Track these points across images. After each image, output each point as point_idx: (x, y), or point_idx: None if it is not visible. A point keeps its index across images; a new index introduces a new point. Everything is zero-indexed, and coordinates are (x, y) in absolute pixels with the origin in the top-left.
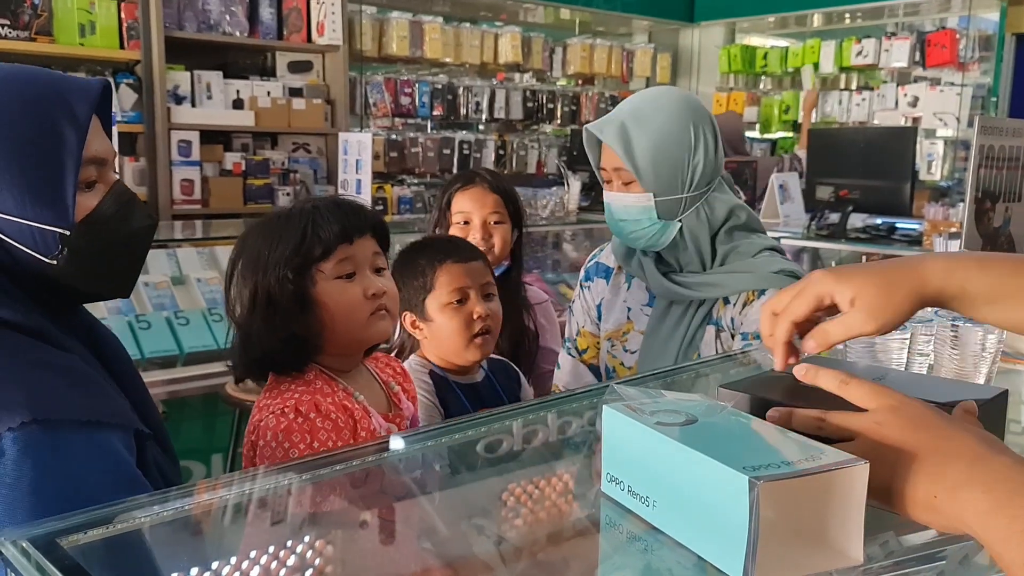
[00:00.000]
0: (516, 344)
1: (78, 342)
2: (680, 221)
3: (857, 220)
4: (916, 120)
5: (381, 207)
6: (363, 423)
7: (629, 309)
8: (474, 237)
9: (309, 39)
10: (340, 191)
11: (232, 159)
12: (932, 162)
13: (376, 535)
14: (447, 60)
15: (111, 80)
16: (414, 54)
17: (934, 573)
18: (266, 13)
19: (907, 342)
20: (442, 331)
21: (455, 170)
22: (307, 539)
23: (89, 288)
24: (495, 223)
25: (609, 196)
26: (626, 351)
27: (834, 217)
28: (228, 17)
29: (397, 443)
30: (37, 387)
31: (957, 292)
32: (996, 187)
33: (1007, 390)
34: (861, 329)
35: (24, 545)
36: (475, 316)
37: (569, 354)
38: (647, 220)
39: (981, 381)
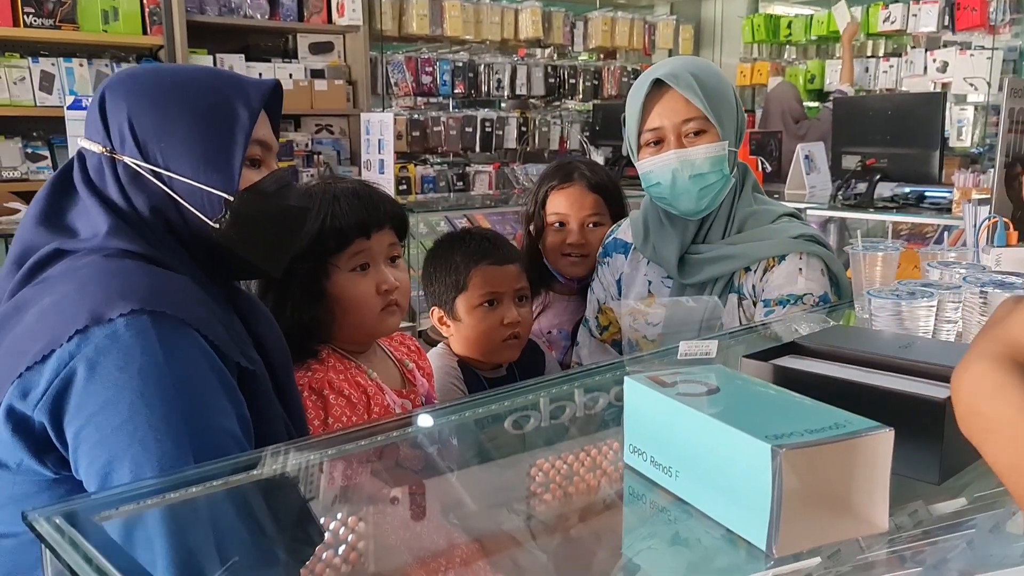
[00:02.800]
0: None
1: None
2: (734, 178)
3: (885, 189)
4: (946, 85)
5: (404, 187)
6: (376, 399)
7: (650, 282)
8: (571, 240)
9: (330, 20)
10: (363, 171)
11: None
12: (962, 128)
13: (404, 511)
14: (467, 37)
15: (279, 81)
16: (434, 32)
17: (964, 541)
18: None
19: (934, 309)
20: (470, 332)
21: (478, 148)
22: (338, 515)
23: (246, 254)
24: (593, 225)
25: (680, 153)
26: (648, 324)
27: (861, 187)
28: (249, 0)
29: (419, 420)
30: (161, 287)
31: None
32: None
33: None
34: None
35: (57, 522)
36: (505, 322)
37: (590, 332)
38: (718, 173)
39: None
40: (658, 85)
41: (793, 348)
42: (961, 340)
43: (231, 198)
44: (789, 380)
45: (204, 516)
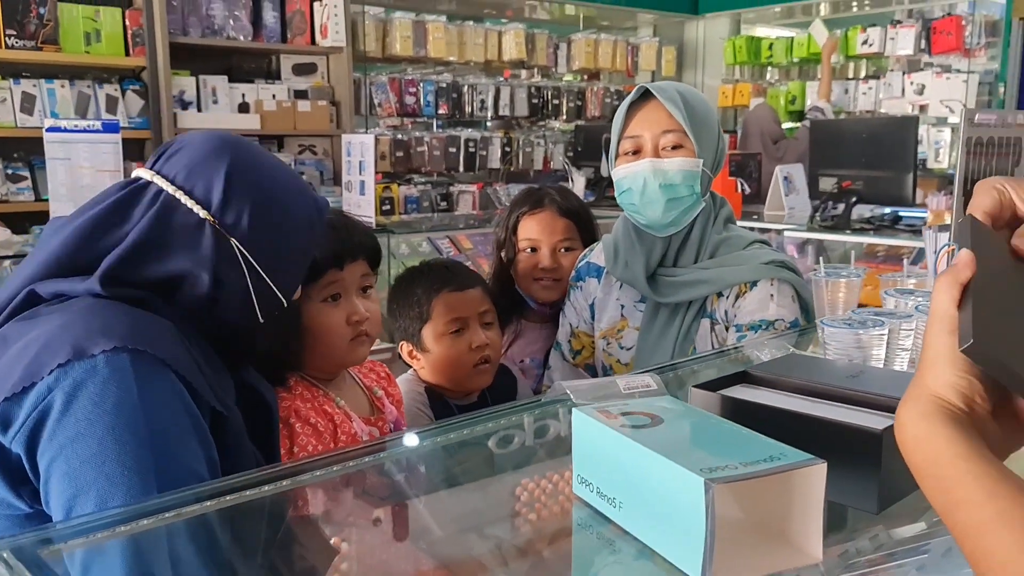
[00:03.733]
0: None
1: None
2: (704, 202)
3: (865, 210)
4: (923, 108)
5: (388, 206)
6: (343, 427)
7: (623, 306)
8: (543, 265)
9: (313, 41)
10: (345, 192)
11: None
12: (940, 150)
13: (359, 537)
14: (451, 59)
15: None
16: (418, 53)
17: (915, 567)
18: (270, 17)
19: (884, 337)
20: (439, 361)
21: (461, 168)
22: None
23: (257, 345)
24: (565, 250)
25: (654, 162)
26: (622, 348)
27: (838, 208)
28: (232, 22)
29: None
30: (143, 327)
31: None
32: (987, 175)
33: None
34: None
35: (5, 556)
36: (473, 346)
37: (562, 356)
38: (688, 188)
39: None
40: (644, 96)
41: (745, 377)
42: (914, 368)
43: (285, 303)
44: (736, 411)
45: (162, 547)
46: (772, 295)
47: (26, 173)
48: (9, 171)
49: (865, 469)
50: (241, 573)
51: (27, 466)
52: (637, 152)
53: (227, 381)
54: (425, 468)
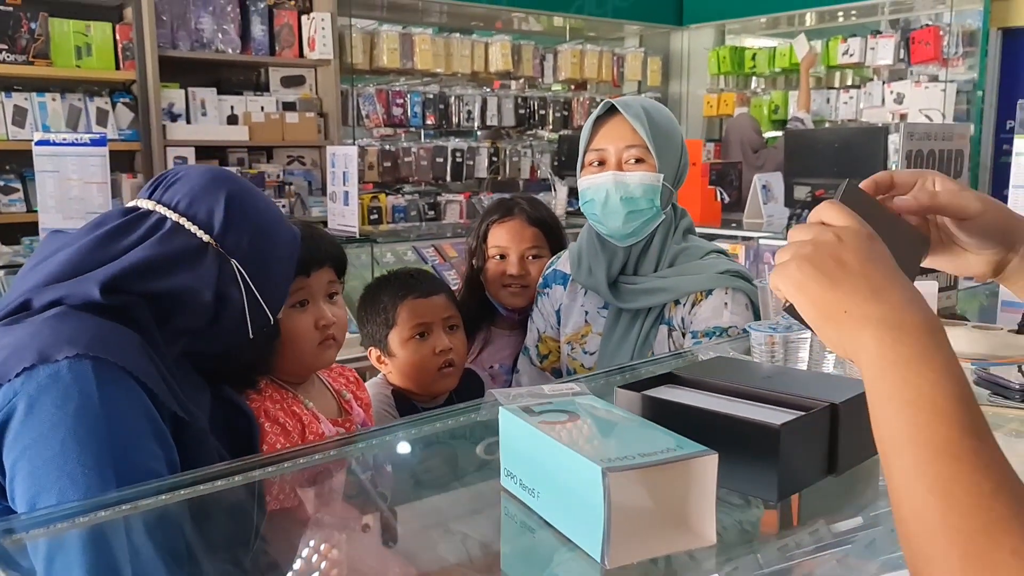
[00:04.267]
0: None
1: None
2: (664, 214)
3: None
4: (903, 116)
5: (376, 216)
6: (311, 428)
7: (587, 312)
8: (511, 272)
9: (301, 54)
10: (329, 203)
11: None
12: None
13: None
14: (438, 70)
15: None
16: (405, 65)
17: (835, 558)
18: (258, 30)
19: (807, 341)
20: (405, 365)
21: (448, 178)
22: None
23: (245, 362)
24: (532, 257)
25: (616, 175)
26: (585, 353)
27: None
28: (221, 35)
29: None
30: (107, 337)
31: None
32: None
33: None
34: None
35: None
36: (437, 350)
37: (530, 360)
38: (648, 202)
39: None
40: (611, 112)
41: (671, 379)
42: (839, 370)
43: (272, 320)
44: (654, 409)
45: (120, 538)
46: (726, 303)
47: (18, 185)
48: (1, 183)
49: (765, 461)
50: (200, 563)
51: None
52: (602, 164)
53: (202, 393)
54: (384, 463)
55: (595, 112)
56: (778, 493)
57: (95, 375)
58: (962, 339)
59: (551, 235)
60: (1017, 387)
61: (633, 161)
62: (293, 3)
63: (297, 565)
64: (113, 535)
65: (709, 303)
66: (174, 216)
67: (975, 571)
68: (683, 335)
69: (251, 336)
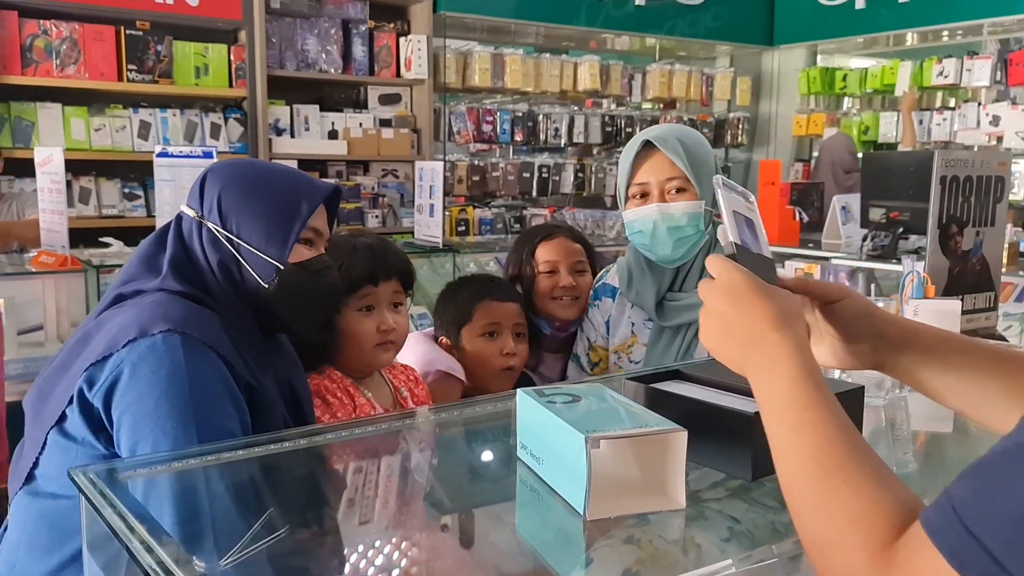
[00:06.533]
0: None
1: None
2: (707, 235)
3: (913, 240)
4: (998, 139)
5: (463, 228)
6: (363, 409)
7: (633, 324)
8: (563, 284)
9: (398, 74)
10: (416, 214)
11: None
12: (1016, 181)
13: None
14: (528, 89)
15: (339, 187)
16: (495, 84)
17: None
18: (359, 51)
19: None
20: (471, 360)
21: (535, 193)
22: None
23: (284, 313)
24: (578, 272)
25: (661, 207)
26: (631, 362)
27: (886, 237)
28: (324, 56)
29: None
30: (193, 316)
31: None
32: (965, 213)
33: (863, 386)
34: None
35: (92, 476)
36: (504, 351)
37: (579, 367)
38: (693, 227)
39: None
40: (648, 146)
41: (677, 374)
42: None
43: (282, 267)
44: (653, 398)
45: (200, 483)
46: None
47: (140, 192)
48: (126, 190)
49: (741, 444)
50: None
51: (104, 417)
52: (645, 196)
53: (269, 365)
54: (431, 438)
55: (631, 147)
56: (752, 473)
57: (183, 347)
58: None
59: (590, 253)
60: None
61: (675, 191)
62: (392, 26)
63: (349, 515)
64: (196, 480)
65: None
66: (186, 210)
67: (821, 494)
68: None
69: (266, 287)
